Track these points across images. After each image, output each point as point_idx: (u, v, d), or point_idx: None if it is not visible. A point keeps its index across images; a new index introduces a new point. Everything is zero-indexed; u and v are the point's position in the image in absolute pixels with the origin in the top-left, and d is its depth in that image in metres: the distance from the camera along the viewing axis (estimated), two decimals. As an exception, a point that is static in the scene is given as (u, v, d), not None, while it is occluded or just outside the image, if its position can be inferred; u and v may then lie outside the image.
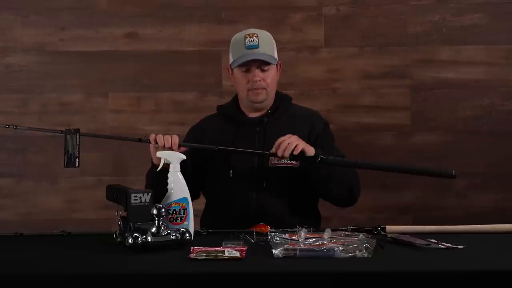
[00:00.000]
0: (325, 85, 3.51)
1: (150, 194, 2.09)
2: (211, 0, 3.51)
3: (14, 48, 3.53)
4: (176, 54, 3.52)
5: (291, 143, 2.40)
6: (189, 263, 1.89)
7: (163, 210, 2.06)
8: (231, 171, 2.57)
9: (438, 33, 3.48)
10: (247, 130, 2.63)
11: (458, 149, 3.46)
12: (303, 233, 2.07)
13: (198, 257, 1.91)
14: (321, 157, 2.41)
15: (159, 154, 2.29)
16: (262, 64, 2.59)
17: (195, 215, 2.20)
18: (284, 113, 2.67)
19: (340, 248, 1.93)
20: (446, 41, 3.48)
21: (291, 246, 1.95)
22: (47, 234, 2.34)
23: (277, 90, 2.70)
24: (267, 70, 2.60)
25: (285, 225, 2.23)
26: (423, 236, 2.15)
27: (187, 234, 2.06)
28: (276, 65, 2.65)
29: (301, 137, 2.47)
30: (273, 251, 1.94)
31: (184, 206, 2.17)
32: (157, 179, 2.29)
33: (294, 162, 2.53)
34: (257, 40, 2.59)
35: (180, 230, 2.07)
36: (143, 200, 2.08)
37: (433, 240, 2.08)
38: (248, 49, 2.58)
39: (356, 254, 1.92)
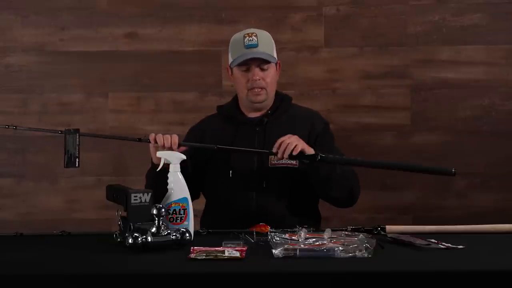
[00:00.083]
0: (325, 85, 3.51)
1: (150, 194, 2.09)
2: (211, 0, 3.51)
3: (14, 48, 3.53)
4: (176, 54, 3.52)
5: (290, 143, 2.41)
6: (189, 263, 1.89)
7: (163, 210, 2.06)
8: (231, 171, 2.57)
9: (438, 33, 3.48)
10: (247, 130, 2.63)
11: (458, 149, 3.46)
12: (303, 233, 2.07)
13: (198, 257, 1.91)
14: (320, 155, 2.41)
15: (159, 154, 2.29)
16: (261, 63, 2.59)
17: (195, 215, 2.20)
18: (284, 113, 2.67)
19: (340, 248, 1.93)
20: (446, 41, 3.48)
21: (291, 246, 1.95)
22: (47, 234, 2.34)
23: (277, 90, 2.70)
24: (266, 69, 2.60)
25: (285, 225, 2.23)
26: (423, 236, 2.15)
27: (187, 234, 2.06)
28: (276, 65, 2.65)
29: (301, 137, 2.47)
30: (273, 251, 1.94)
31: (184, 206, 2.17)
32: (157, 179, 2.29)
33: (294, 163, 2.53)
34: (256, 39, 2.59)
35: (180, 230, 2.07)
36: (143, 200, 2.08)
37: (433, 240, 2.08)
38: (247, 48, 2.58)
39: (356, 254, 1.92)
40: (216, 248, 1.98)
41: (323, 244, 1.98)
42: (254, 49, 2.58)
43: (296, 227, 2.13)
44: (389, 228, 2.26)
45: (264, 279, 1.80)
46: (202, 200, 2.69)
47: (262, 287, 1.79)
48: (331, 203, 2.63)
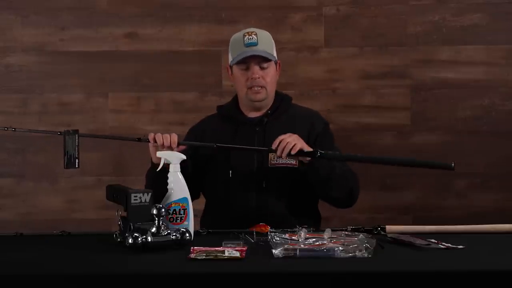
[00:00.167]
0: (325, 85, 3.51)
1: (150, 194, 2.09)
2: (211, 0, 3.51)
3: (14, 48, 3.53)
4: (176, 54, 3.52)
5: (290, 142, 2.40)
6: (189, 263, 1.89)
7: (163, 210, 2.06)
8: (230, 171, 2.57)
9: (438, 33, 3.48)
10: (247, 130, 2.63)
11: (458, 149, 3.46)
12: (303, 233, 2.07)
13: (198, 257, 1.91)
14: (320, 152, 2.41)
15: (159, 154, 2.29)
16: (261, 61, 2.59)
17: (195, 215, 2.20)
18: (284, 113, 2.67)
19: (340, 248, 1.93)
20: (446, 41, 3.48)
21: (291, 246, 1.95)
22: (47, 234, 2.34)
23: (277, 90, 2.70)
24: (266, 68, 2.60)
25: (284, 225, 2.22)
26: (423, 236, 2.15)
27: (187, 234, 2.07)
28: (276, 65, 2.65)
29: (301, 137, 2.47)
30: (273, 251, 1.94)
31: (184, 206, 2.17)
32: (157, 179, 2.29)
33: (294, 163, 2.53)
34: (256, 38, 2.59)
35: (180, 230, 2.07)
36: (143, 200, 2.08)
37: (433, 240, 2.08)
38: (247, 46, 2.58)
39: (356, 254, 1.92)
40: (216, 248, 1.98)
41: (323, 244, 1.98)
42: (254, 48, 2.58)
43: (296, 227, 2.13)
44: (389, 228, 2.26)
45: (264, 279, 1.80)
46: (202, 200, 2.69)
47: (262, 287, 1.79)
48: (331, 204, 2.63)
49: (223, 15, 3.50)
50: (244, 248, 1.98)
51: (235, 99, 2.72)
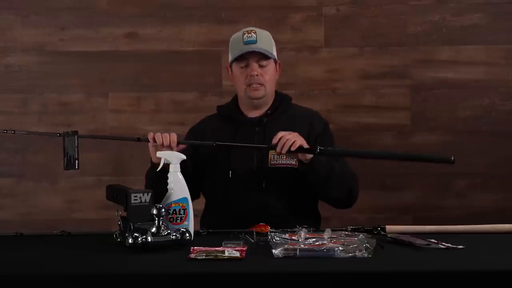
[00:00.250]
0: (325, 85, 3.51)
1: (150, 194, 2.09)
2: (211, 0, 3.51)
3: (14, 48, 3.53)
4: (176, 54, 3.52)
5: (289, 139, 2.40)
6: (189, 263, 1.89)
7: (163, 210, 2.06)
8: (230, 172, 2.57)
9: (438, 33, 3.48)
10: (247, 130, 2.63)
11: (458, 149, 3.45)
12: (303, 233, 2.07)
13: (198, 257, 1.91)
14: (320, 148, 2.41)
15: (159, 154, 2.29)
16: (260, 59, 2.59)
17: (195, 215, 2.20)
18: (283, 113, 2.67)
19: (340, 248, 1.93)
20: (446, 41, 3.48)
21: (291, 246, 1.95)
22: (47, 234, 2.34)
23: (276, 90, 2.70)
24: (265, 66, 2.60)
25: (284, 225, 2.22)
26: (423, 236, 2.15)
27: (187, 234, 2.06)
28: (275, 64, 2.65)
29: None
30: (273, 251, 1.94)
31: (184, 206, 2.17)
32: (157, 179, 2.29)
33: (293, 163, 2.54)
34: (255, 36, 2.59)
35: (180, 230, 2.07)
36: (143, 200, 2.08)
37: (433, 240, 2.08)
38: (246, 44, 2.59)
39: (356, 254, 1.92)
40: (216, 248, 1.98)
41: (323, 244, 1.98)
42: (253, 45, 2.58)
43: (296, 227, 2.13)
44: (389, 228, 2.26)
45: (264, 279, 1.80)
46: (202, 200, 2.69)
47: (262, 287, 1.79)
48: (330, 204, 2.63)
49: (223, 15, 3.50)
50: (244, 248, 1.98)
51: (235, 99, 2.72)
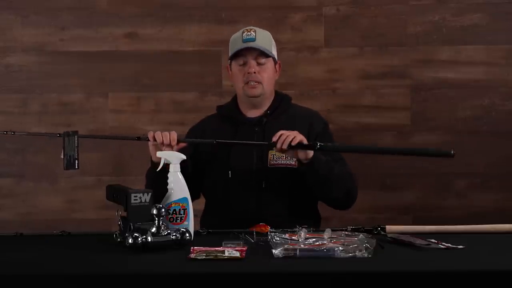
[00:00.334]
0: (325, 85, 3.51)
1: (150, 194, 2.09)
2: (211, 0, 3.51)
3: (14, 48, 3.53)
4: (176, 54, 3.52)
5: (289, 136, 2.41)
6: (189, 263, 1.89)
7: (163, 210, 2.06)
8: (230, 172, 2.57)
9: (438, 33, 3.48)
10: (246, 130, 2.63)
11: (458, 149, 3.41)
12: (303, 233, 2.07)
13: (198, 257, 1.91)
14: (320, 144, 2.41)
15: (159, 154, 2.29)
16: (258, 55, 2.59)
17: (195, 215, 2.20)
18: (283, 113, 2.67)
19: (340, 248, 1.93)
20: (446, 41, 3.48)
21: (291, 246, 1.95)
22: (47, 234, 2.34)
23: (276, 90, 2.70)
24: (263, 64, 2.60)
25: (284, 225, 2.22)
26: (423, 236, 2.15)
27: (187, 234, 2.06)
28: (275, 63, 2.65)
29: (301, 136, 2.48)
30: (273, 251, 1.94)
31: (184, 206, 2.17)
32: (157, 179, 2.29)
33: (293, 163, 2.54)
34: (254, 34, 2.60)
35: (180, 230, 2.07)
36: (143, 200, 2.08)
37: (433, 240, 2.08)
38: (244, 42, 2.59)
39: (356, 254, 1.92)
40: (216, 248, 1.98)
41: (323, 244, 1.98)
42: (251, 43, 2.58)
43: (296, 227, 2.13)
44: (389, 228, 2.26)
45: (264, 279, 1.80)
46: (202, 200, 2.69)
47: (262, 287, 1.79)
48: (329, 204, 2.63)
49: (223, 15, 3.50)
50: (244, 248, 1.98)
51: (235, 99, 2.72)
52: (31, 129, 3.46)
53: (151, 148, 2.45)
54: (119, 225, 2.15)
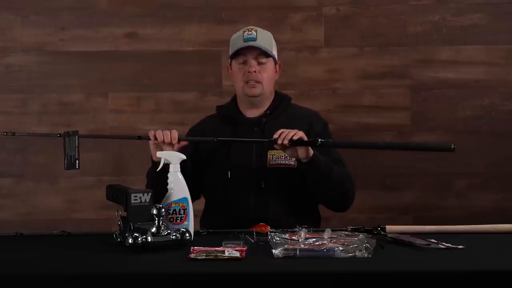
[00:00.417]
0: (325, 85, 3.51)
1: (150, 194, 2.09)
2: (211, 0, 3.51)
3: (14, 48, 3.53)
4: (176, 54, 3.52)
5: (290, 132, 2.41)
6: (189, 263, 1.89)
7: (163, 210, 2.06)
8: (229, 172, 2.57)
9: (438, 33, 3.48)
10: (246, 130, 2.63)
11: (458, 149, 3.42)
12: (303, 233, 2.07)
13: (198, 257, 1.91)
14: (321, 140, 2.41)
15: (159, 154, 2.29)
16: (259, 55, 2.59)
17: (195, 215, 2.20)
18: (283, 113, 2.67)
19: (340, 248, 1.93)
20: (446, 41, 3.48)
21: (291, 246, 1.95)
22: (47, 234, 2.34)
23: (276, 90, 2.70)
24: (264, 63, 2.60)
25: (284, 225, 2.22)
26: (423, 236, 2.15)
27: (187, 234, 2.06)
28: (275, 63, 2.65)
29: (300, 136, 2.48)
30: (273, 251, 1.94)
31: (184, 206, 2.17)
32: (157, 179, 2.29)
33: (292, 163, 2.54)
34: (255, 34, 2.60)
35: (180, 230, 2.07)
36: (143, 200, 2.08)
37: (433, 240, 2.08)
38: (245, 41, 2.59)
39: (356, 254, 1.92)
40: (216, 248, 1.98)
41: (323, 244, 1.98)
42: (252, 42, 2.59)
43: (296, 227, 2.13)
44: (389, 228, 2.26)
45: (264, 279, 1.80)
46: (202, 200, 2.69)
47: (262, 287, 1.79)
48: (326, 205, 2.63)
49: (223, 15, 3.50)
50: (244, 248, 1.98)
51: (234, 99, 2.72)
52: (31, 129, 3.46)
53: (152, 147, 2.45)
54: (119, 225, 2.15)
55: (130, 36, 3.53)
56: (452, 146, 2.35)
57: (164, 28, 3.52)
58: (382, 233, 2.24)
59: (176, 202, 2.17)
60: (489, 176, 3.49)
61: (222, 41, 3.34)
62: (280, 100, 2.69)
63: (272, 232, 2.12)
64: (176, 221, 2.15)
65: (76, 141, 2.34)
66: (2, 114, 3.52)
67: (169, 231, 2.05)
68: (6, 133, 2.45)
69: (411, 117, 3.49)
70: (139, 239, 2.00)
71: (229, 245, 2.01)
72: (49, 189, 3.55)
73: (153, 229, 2.03)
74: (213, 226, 2.36)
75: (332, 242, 2.00)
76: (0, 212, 3.54)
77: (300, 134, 2.41)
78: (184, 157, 2.24)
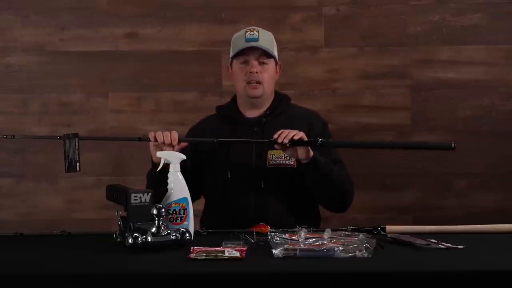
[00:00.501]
0: (325, 85, 3.51)
1: (150, 194, 2.09)
2: (211, 0, 3.51)
3: (14, 48, 3.53)
4: (176, 54, 3.52)
5: (291, 132, 2.41)
6: (189, 263, 1.89)
7: (163, 210, 2.06)
8: (229, 172, 2.57)
9: (438, 33, 3.48)
10: (246, 131, 2.63)
11: (458, 149, 3.43)
12: (303, 233, 2.07)
13: (198, 257, 1.91)
14: (321, 140, 2.41)
15: (159, 154, 2.29)
16: (260, 56, 2.59)
17: (195, 215, 2.20)
18: (282, 113, 2.67)
19: (340, 248, 1.93)
20: (446, 41, 3.48)
21: (291, 246, 1.95)
22: (47, 234, 2.34)
23: (276, 90, 2.70)
24: (266, 64, 2.60)
25: (284, 225, 2.22)
26: (423, 236, 2.15)
27: (187, 234, 2.06)
28: (276, 64, 2.65)
29: (300, 137, 2.48)
30: (273, 251, 1.94)
31: (184, 206, 2.17)
32: (157, 179, 2.29)
33: (292, 163, 2.54)
34: (257, 34, 2.60)
35: (180, 230, 2.07)
36: (143, 200, 2.08)
37: (433, 240, 2.08)
38: (247, 41, 2.59)
39: (356, 254, 1.92)
40: (216, 248, 1.98)
41: (323, 244, 1.98)
42: (254, 43, 2.59)
43: (296, 227, 2.13)
44: (389, 228, 2.26)
45: (264, 279, 1.80)
46: (202, 200, 2.69)
47: (262, 287, 1.79)
48: (325, 206, 2.63)
49: (223, 15, 3.50)
50: (244, 248, 1.98)
51: (234, 99, 2.72)
52: (31, 129, 3.46)
53: (152, 148, 2.45)
54: (119, 225, 2.15)
55: (130, 36, 3.52)
56: (452, 145, 2.35)
57: (164, 28, 3.52)
58: (382, 233, 2.24)
59: (176, 202, 2.17)
60: (489, 176, 3.49)
61: (222, 41, 3.34)
62: (280, 100, 2.69)
63: (272, 232, 2.12)
64: (176, 221, 2.15)
65: (76, 144, 2.34)
66: (2, 114, 3.52)
67: (169, 231, 2.05)
68: (5, 136, 2.46)
69: (411, 117, 3.49)
70: (139, 239, 2.00)
71: (229, 245, 2.01)
72: (49, 189, 3.55)
73: (153, 229, 2.03)
74: (213, 226, 2.36)
75: (332, 242, 2.00)
76: (0, 212, 3.54)
77: (300, 135, 2.42)
78: (184, 157, 2.24)
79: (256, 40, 2.59)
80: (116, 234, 2.16)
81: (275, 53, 2.65)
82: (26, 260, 1.97)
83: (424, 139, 3.46)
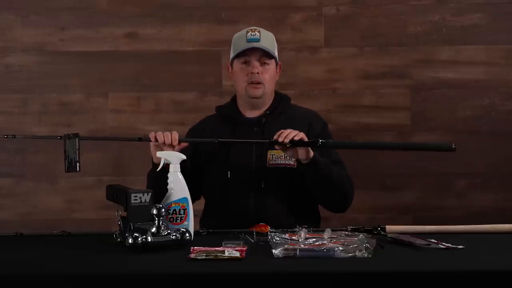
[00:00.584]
0: (325, 85, 3.51)
1: (150, 194, 2.09)
2: (211, 0, 3.51)
3: (14, 48, 3.53)
4: (176, 54, 3.52)
5: (291, 132, 2.42)
6: (189, 263, 1.89)
7: (163, 210, 2.06)
8: (229, 172, 2.57)
9: (438, 33, 3.48)
10: (245, 131, 2.63)
11: (458, 149, 3.42)
12: (303, 233, 2.07)
13: (198, 257, 1.91)
14: (322, 141, 2.41)
15: (159, 154, 2.29)
16: (262, 56, 2.59)
17: (195, 215, 2.20)
18: (282, 113, 2.67)
19: (340, 248, 1.93)
20: (446, 41, 3.48)
21: (291, 246, 1.95)
22: (47, 234, 2.34)
23: (276, 90, 2.70)
24: (267, 64, 2.60)
25: (284, 225, 2.22)
26: (423, 236, 2.15)
27: (187, 234, 2.06)
28: (276, 64, 2.65)
29: (300, 137, 2.48)
30: (273, 251, 1.94)
31: (184, 206, 2.17)
32: (157, 179, 2.29)
33: (292, 163, 2.54)
34: (258, 35, 2.60)
35: (180, 230, 2.07)
36: (143, 200, 2.08)
37: (433, 240, 2.08)
38: (249, 41, 2.59)
39: (356, 254, 1.92)
40: (216, 248, 1.98)
41: (323, 244, 1.98)
42: (255, 43, 2.59)
43: (296, 227, 2.13)
44: (389, 228, 2.26)
45: (264, 279, 1.80)
46: (202, 200, 2.69)
47: (262, 287, 1.79)
48: (325, 206, 2.63)
49: (223, 15, 3.50)
50: (244, 248, 1.98)
51: (234, 99, 2.72)
52: (31, 129, 3.46)
53: (152, 148, 2.45)
54: (119, 225, 2.15)
55: (130, 36, 3.52)
56: (453, 146, 2.35)
57: (164, 28, 3.52)
58: (382, 233, 2.24)
59: (176, 202, 2.17)
60: (489, 176, 3.49)
61: (222, 41, 3.34)
62: (279, 100, 2.69)
63: (272, 232, 2.12)
64: (176, 221, 2.15)
65: (77, 144, 2.34)
66: (2, 114, 3.52)
67: (169, 231, 2.05)
68: (6, 135, 2.45)
69: (411, 117, 3.49)
70: (139, 239, 2.00)
71: (229, 245, 2.01)
72: (49, 189, 3.55)
73: (153, 229, 2.03)
74: (213, 226, 2.36)
75: (332, 242, 2.00)
76: (0, 212, 3.54)
77: (301, 135, 2.42)
78: (184, 157, 2.24)
79: (258, 40, 2.59)
80: (116, 234, 2.16)
81: (276, 53, 2.65)
82: (26, 260, 1.97)
83: (424, 139, 3.46)
